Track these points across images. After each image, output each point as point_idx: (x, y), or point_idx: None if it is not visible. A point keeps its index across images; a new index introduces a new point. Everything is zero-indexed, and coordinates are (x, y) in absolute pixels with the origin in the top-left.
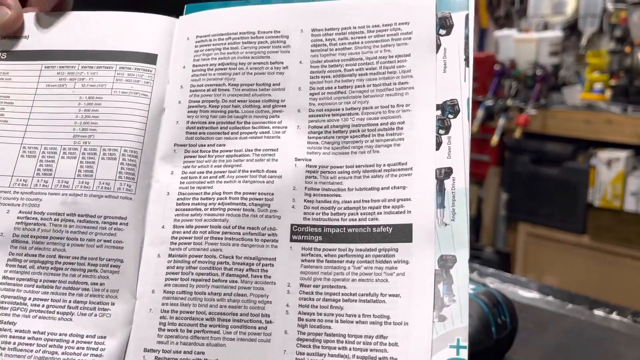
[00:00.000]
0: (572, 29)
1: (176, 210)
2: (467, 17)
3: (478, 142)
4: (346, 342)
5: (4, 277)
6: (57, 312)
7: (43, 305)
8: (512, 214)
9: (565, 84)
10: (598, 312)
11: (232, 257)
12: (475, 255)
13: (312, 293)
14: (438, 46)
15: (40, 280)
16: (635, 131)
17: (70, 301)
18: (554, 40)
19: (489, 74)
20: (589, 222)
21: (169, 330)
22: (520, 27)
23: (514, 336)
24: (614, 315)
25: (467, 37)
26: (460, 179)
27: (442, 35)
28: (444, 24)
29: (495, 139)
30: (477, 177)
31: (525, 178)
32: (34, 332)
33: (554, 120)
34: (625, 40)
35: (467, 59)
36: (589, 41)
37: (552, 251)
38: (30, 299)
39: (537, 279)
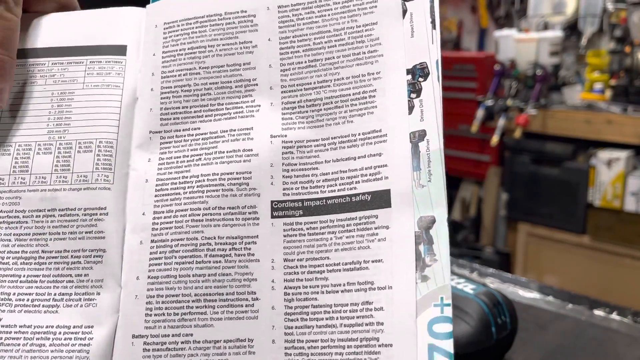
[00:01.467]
0: (572, 29)
1: (155, 196)
2: None
3: (478, 142)
4: (333, 312)
5: None
6: (43, 306)
7: (28, 300)
8: (512, 214)
9: (565, 84)
10: (598, 312)
11: (214, 238)
12: (475, 255)
13: (297, 267)
14: (404, 12)
15: (24, 276)
16: (635, 131)
17: (55, 294)
18: (554, 40)
19: (489, 74)
20: (589, 222)
21: (155, 315)
22: (520, 27)
23: (514, 336)
24: (614, 316)
25: (432, 1)
26: (435, 141)
27: (407, 1)
28: None
29: (495, 139)
30: (477, 177)
31: (525, 178)
32: (20, 327)
33: (554, 120)
34: (625, 40)
35: (433, 22)
36: (589, 41)
37: (552, 251)
38: (14, 294)
39: (537, 279)
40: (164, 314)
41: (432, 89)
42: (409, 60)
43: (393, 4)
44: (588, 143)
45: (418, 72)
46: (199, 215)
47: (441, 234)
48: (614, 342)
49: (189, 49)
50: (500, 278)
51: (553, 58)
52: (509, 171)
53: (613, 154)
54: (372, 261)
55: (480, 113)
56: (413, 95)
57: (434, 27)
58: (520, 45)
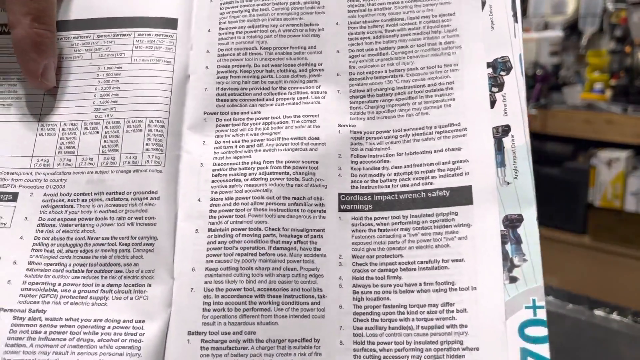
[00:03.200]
0: (572, 28)
1: (212, 182)
2: None
3: None
4: (408, 312)
5: (30, 263)
6: (90, 297)
7: (74, 291)
8: None
9: (566, 84)
10: (598, 312)
11: (279, 229)
12: None
13: (366, 264)
14: (483, 4)
15: (70, 265)
16: (635, 131)
17: (103, 285)
18: (554, 40)
19: None
20: (589, 222)
21: (214, 310)
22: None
23: None
24: (614, 316)
25: None
26: (520, 136)
27: None
28: None
29: None
30: None
31: None
32: (66, 320)
33: (554, 120)
34: (625, 40)
35: (515, 15)
36: (589, 41)
37: (552, 251)
38: (59, 284)
39: None
40: (223, 309)
41: (516, 83)
42: (490, 54)
43: None
44: (588, 143)
45: (500, 66)
46: (262, 204)
47: (531, 234)
48: (614, 342)
49: (249, 27)
50: None
51: (553, 58)
52: None
53: (613, 153)
54: (452, 260)
55: None
56: (495, 89)
57: (515, 20)
58: None
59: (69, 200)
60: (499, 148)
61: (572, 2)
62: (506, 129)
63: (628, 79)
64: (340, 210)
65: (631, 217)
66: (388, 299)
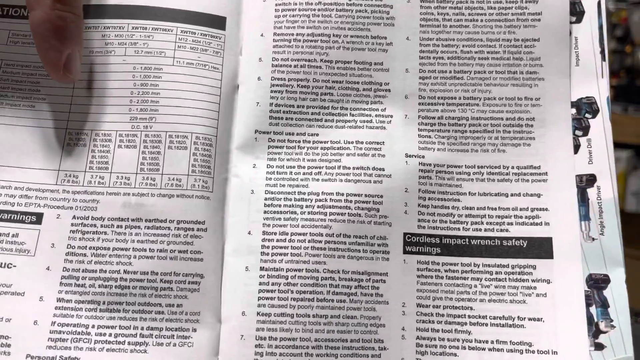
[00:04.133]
0: None
1: (264, 212)
2: (599, 4)
3: None
4: None
5: (59, 300)
6: (129, 343)
7: (110, 335)
8: None
9: None
10: None
11: (338, 272)
12: None
13: (432, 314)
14: (569, 33)
15: (104, 303)
16: (636, 131)
17: (142, 328)
18: None
19: None
20: None
21: None
22: None
23: None
24: None
25: (601, 28)
26: (607, 189)
27: (571, 23)
28: (573, 10)
29: None
30: None
31: None
32: None
33: None
34: (626, 40)
35: (602, 52)
36: None
37: None
38: (94, 326)
39: None
40: None
41: (603, 129)
42: (574, 92)
43: (560, 20)
44: None
45: (585, 107)
46: (320, 242)
47: (619, 298)
48: None
49: (308, 35)
50: None
51: None
52: None
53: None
54: (530, 319)
55: None
56: (579, 133)
57: (603, 58)
58: None
59: (102, 226)
60: (583, 199)
61: None
62: (591, 179)
63: (629, 79)
64: (405, 252)
65: (631, 217)
66: (455, 355)
